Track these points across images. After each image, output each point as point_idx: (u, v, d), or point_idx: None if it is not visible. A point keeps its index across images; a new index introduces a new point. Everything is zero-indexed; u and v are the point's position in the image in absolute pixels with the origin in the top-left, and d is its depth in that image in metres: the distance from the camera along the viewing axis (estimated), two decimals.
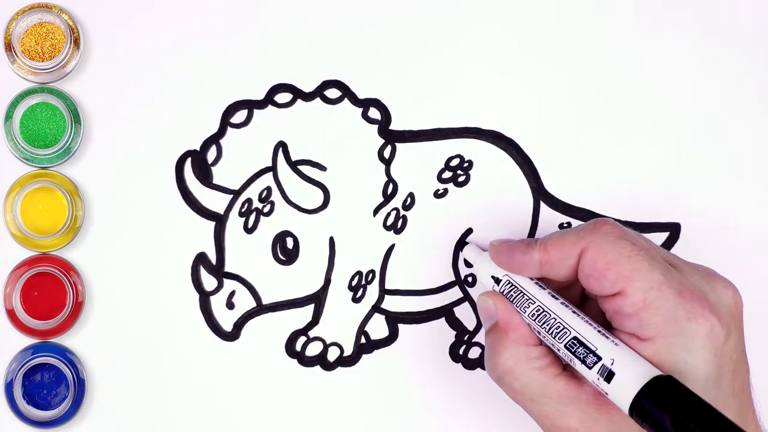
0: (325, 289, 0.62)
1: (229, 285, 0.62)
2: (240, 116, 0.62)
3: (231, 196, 0.62)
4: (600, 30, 0.64)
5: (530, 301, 0.53)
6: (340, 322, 0.62)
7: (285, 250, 0.62)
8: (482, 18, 0.63)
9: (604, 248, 0.51)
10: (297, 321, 0.62)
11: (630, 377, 0.49)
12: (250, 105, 0.62)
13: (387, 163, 0.63)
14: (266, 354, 0.62)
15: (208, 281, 0.62)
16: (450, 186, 0.63)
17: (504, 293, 0.55)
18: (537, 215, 0.63)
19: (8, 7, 0.61)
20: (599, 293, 0.51)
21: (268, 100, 0.62)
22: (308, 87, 0.62)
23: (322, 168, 0.62)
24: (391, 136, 0.63)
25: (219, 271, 0.62)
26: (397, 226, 0.62)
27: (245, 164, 0.62)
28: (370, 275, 0.62)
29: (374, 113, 0.63)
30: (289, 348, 0.62)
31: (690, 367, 0.49)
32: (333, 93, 0.62)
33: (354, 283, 0.62)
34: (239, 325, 0.62)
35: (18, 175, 0.61)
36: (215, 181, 0.62)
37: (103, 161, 0.61)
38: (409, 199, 0.63)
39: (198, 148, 0.62)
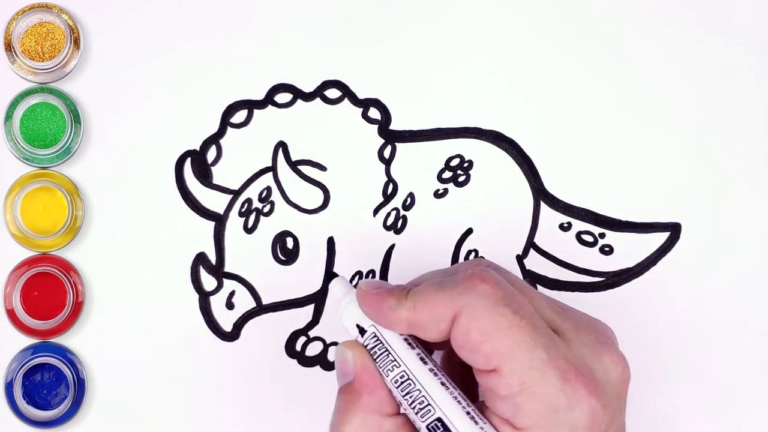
0: (325, 289, 0.62)
1: (228, 285, 0.62)
2: (240, 116, 0.62)
3: (231, 196, 0.62)
4: (600, 30, 0.64)
5: (395, 363, 0.45)
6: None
7: (285, 250, 0.62)
8: (482, 18, 0.63)
9: (480, 315, 0.43)
10: (297, 321, 0.62)
11: None
12: (250, 105, 0.62)
13: (387, 163, 0.63)
14: (266, 354, 0.62)
15: (208, 281, 0.62)
16: (450, 186, 0.63)
17: (367, 347, 0.46)
18: (537, 215, 0.63)
19: (8, 7, 0.61)
20: (472, 364, 0.44)
21: (268, 100, 0.62)
22: (308, 87, 0.62)
23: (322, 168, 0.62)
24: (391, 136, 0.63)
25: (219, 271, 0.62)
26: (397, 226, 0.62)
27: (245, 164, 0.62)
28: (370, 275, 0.62)
29: (374, 113, 0.63)
30: (289, 348, 0.62)
31: None
32: (333, 93, 0.62)
33: (354, 283, 0.62)
34: (239, 325, 0.62)
35: (18, 175, 0.61)
36: (215, 181, 0.62)
37: (103, 161, 0.61)
38: (409, 199, 0.63)
39: (198, 148, 0.62)
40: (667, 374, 0.63)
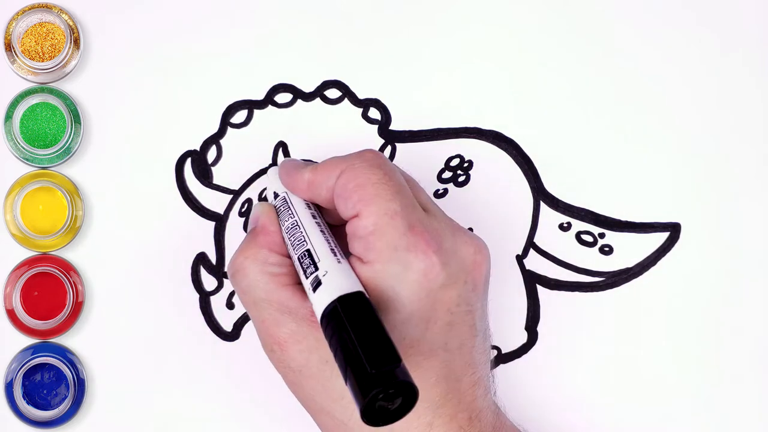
0: None
1: (229, 285, 0.61)
2: (240, 116, 0.62)
3: (231, 196, 0.62)
4: (600, 29, 0.64)
5: (291, 214, 0.54)
6: None
7: None
8: (482, 18, 0.63)
9: (357, 172, 0.52)
10: None
11: (330, 289, 0.49)
12: (250, 105, 0.62)
13: None
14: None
15: (208, 281, 0.62)
16: (450, 186, 0.63)
17: (276, 207, 0.55)
18: (537, 215, 0.63)
19: (8, 7, 0.61)
20: (343, 215, 0.52)
21: (268, 100, 0.62)
22: (308, 87, 0.62)
23: None
24: (391, 136, 0.63)
25: (219, 271, 0.62)
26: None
27: (245, 164, 0.62)
28: None
29: (374, 113, 0.63)
30: None
31: (397, 296, 0.50)
32: (333, 93, 0.62)
33: None
34: (239, 325, 0.62)
35: (18, 175, 0.61)
36: (215, 181, 0.62)
37: (103, 161, 0.61)
38: None
39: (198, 148, 0.62)
40: (667, 374, 0.63)
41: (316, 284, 0.50)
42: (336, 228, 0.54)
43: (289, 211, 0.54)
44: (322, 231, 0.53)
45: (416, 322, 0.50)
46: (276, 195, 0.56)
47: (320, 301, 0.49)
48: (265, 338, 0.53)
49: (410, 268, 0.50)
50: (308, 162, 0.56)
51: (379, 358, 0.45)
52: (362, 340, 0.46)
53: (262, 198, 0.62)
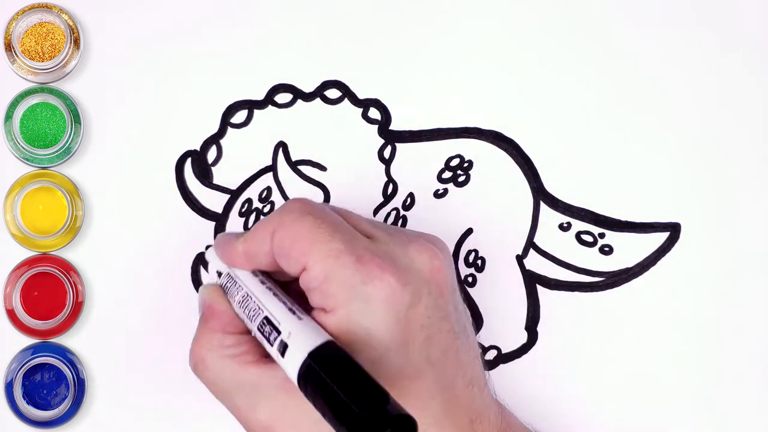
0: None
1: None
2: (240, 116, 0.62)
3: (231, 196, 0.62)
4: (601, 30, 0.64)
5: (239, 288, 0.52)
6: None
7: None
8: (483, 18, 0.63)
9: (288, 226, 0.49)
10: None
11: (299, 348, 0.47)
12: (250, 105, 0.62)
13: (387, 163, 0.63)
14: None
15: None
16: (450, 186, 0.63)
17: (223, 285, 0.53)
18: (537, 215, 0.63)
19: (8, 7, 0.61)
20: (291, 272, 0.50)
21: (268, 100, 0.62)
22: (308, 87, 0.62)
23: (322, 168, 0.62)
24: (391, 136, 0.63)
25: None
26: (397, 226, 0.62)
27: (245, 164, 0.62)
28: None
29: (374, 113, 0.63)
30: None
31: (369, 333, 0.48)
32: (333, 93, 0.62)
33: None
34: None
35: (18, 175, 0.61)
36: (215, 181, 0.62)
37: (103, 161, 0.61)
38: (409, 200, 0.63)
39: (198, 148, 0.62)
40: (667, 374, 0.63)
41: (283, 348, 0.48)
42: (289, 284, 0.52)
43: (237, 285, 0.52)
44: (275, 294, 0.50)
45: (396, 350, 0.48)
46: (220, 274, 0.54)
47: (292, 363, 0.47)
48: (246, 425, 0.50)
49: (372, 300, 0.48)
50: (240, 232, 0.53)
51: (367, 400, 0.43)
52: (345, 387, 0.44)
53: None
